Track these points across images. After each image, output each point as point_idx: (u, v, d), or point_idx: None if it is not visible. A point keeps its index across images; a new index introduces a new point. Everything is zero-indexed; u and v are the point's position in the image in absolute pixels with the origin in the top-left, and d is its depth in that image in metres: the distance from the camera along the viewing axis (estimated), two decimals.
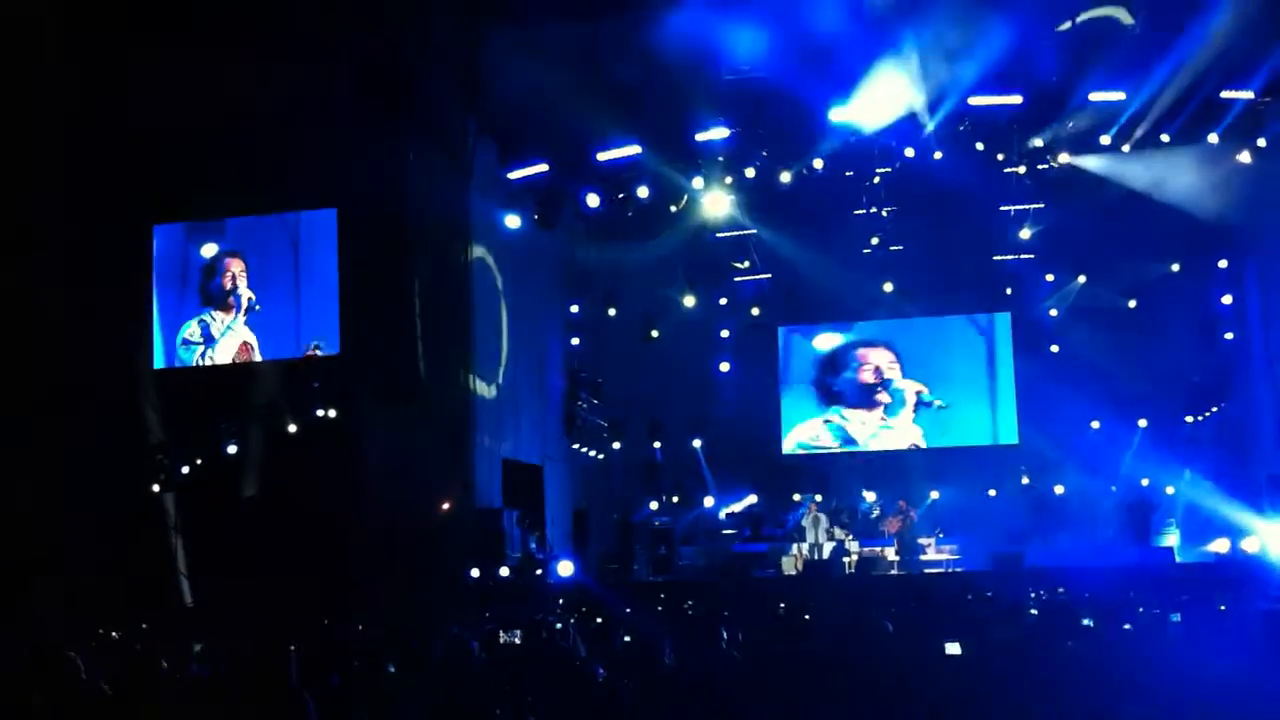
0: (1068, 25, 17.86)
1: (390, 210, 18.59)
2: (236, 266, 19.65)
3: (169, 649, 9.29)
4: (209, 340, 19.47)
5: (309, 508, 17.42)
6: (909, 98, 18.43)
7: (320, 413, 18.19)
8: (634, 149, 19.86)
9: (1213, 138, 19.00)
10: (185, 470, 18.62)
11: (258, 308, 19.40)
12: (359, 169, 18.38)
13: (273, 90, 17.93)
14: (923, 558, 20.51)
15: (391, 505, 17.84)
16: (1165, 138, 19.17)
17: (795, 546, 21.20)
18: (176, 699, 7.29)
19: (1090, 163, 20.28)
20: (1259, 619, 10.46)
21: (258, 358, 19.35)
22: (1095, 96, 18.65)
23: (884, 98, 18.34)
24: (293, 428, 18.28)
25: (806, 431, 25.06)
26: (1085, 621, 9.70)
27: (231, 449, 18.45)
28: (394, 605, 15.10)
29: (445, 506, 18.48)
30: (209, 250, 19.76)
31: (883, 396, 24.62)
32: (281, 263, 19.49)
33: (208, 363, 19.40)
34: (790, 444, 25.02)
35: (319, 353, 18.92)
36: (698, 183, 20.64)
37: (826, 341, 25.14)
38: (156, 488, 18.48)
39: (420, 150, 18.66)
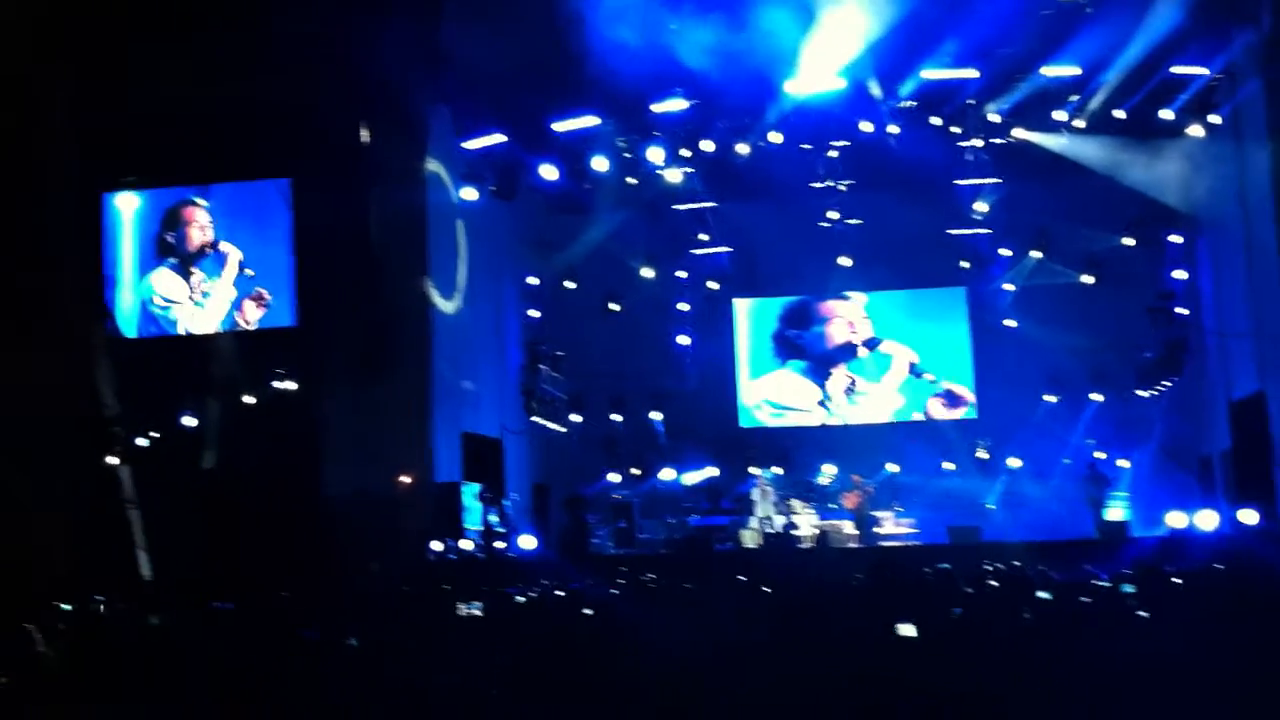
0: None
1: (346, 180, 18.45)
2: (202, 218, 19.37)
3: (126, 622, 9.23)
4: (193, 301, 19.21)
5: (268, 481, 17.33)
6: (853, 51, 18.34)
7: (279, 385, 18.06)
8: (592, 120, 19.80)
9: (1166, 114, 19.17)
10: (142, 442, 18.43)
11: (250, 272, 19.11)
12: (313, 138, 18.21)
13: (225, 60, 17.72)
14: (879, 530, 20.67)
15: (351, 479, 17.78)
16: (1120, 114, 19.33)
17: (755, 520, 21.31)
18: (133, 671, 7.25)
19: (1045, 138, 20.42)
20: (1211, 591, 10.62)
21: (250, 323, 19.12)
22: (1049, 71, 18.78)
23: (829, 55, 18.28)
24: (250, 400, 18.14)
25: (772, 387, 24.92)
26: (1041, 594, 9.79)
27: (189, 421, 18.27)
28: (354, 579, 15.07)
29: (405, 480, 18.43)
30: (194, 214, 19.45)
31: (862, 353, 24.48)
32: (272, 226, 19.18)
33: (196, 326, 19.15)
34: (754, 400, 24.88)
35: (265, 298, 18.80)
36: (656, 155, 20.60)
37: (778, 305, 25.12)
38: (114, 460, 18.30)
39: (376, 119, 18.53)
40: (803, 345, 24.81)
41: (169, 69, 17.63)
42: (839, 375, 24.44)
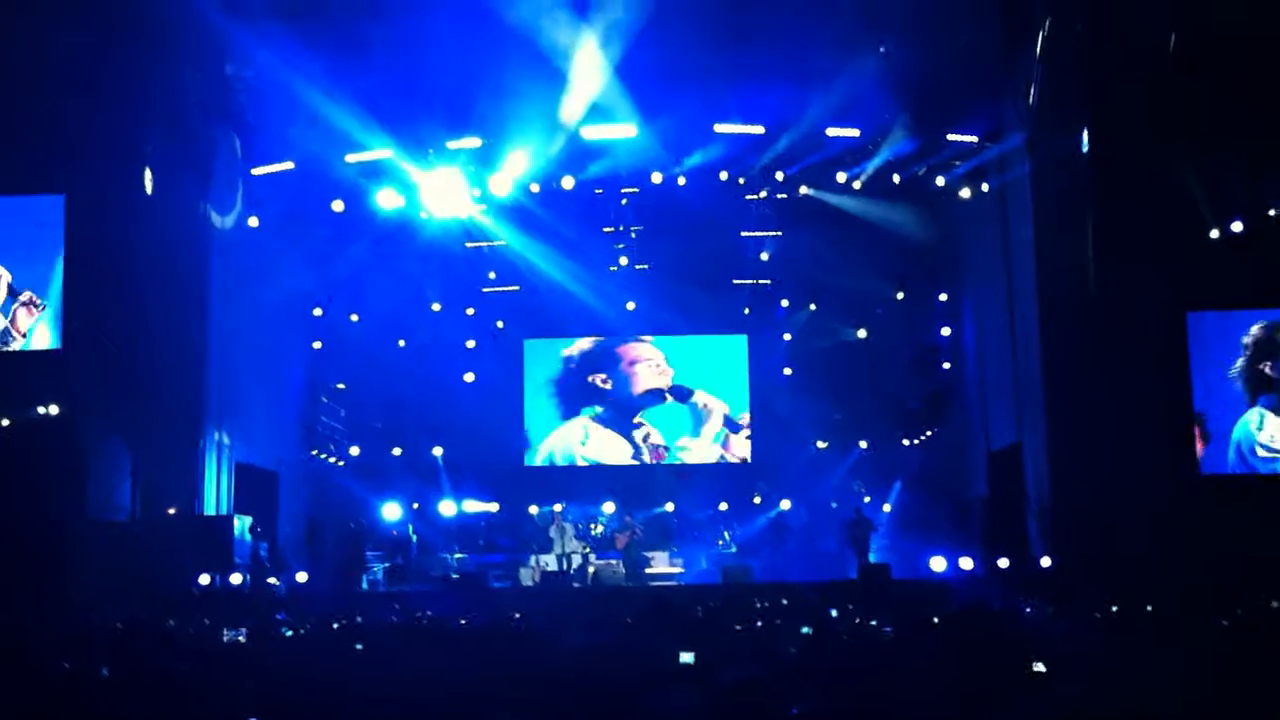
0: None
1: (123, 199, 17.86)
2: None
3: None
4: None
5: (29, 507, 16.48)
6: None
7: (41, 409, 17.24)
8: (385, 153, 19.64)
9: (940, 181, 20.17)
10: None
11: (27, 295, 18.13)
12: (92, 155, 17.60)
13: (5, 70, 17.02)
14: (649, 570, 20.98)
15: (116, 507, 17.11)
16: (896, 178, 20.21)
17: (534, 558, 21.35)
18: None
19: (827, 195, 21.21)
20: (963, 632, 11.13)
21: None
22: (832, 132, 19.53)
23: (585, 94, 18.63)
24: (5, 422, 17.27)
25: (575, 437, 24.99)
26: (804, 630, 10.11)
27: None
28: (115, 611, 14.45)
29: (171, 511, 17.81)
30: None
31: (667, 399, 24.76)
32: (44, 244, 18.29)
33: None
34: (559, 449, 24.94)
35: (36, 303, 17.93)
36: (449, 190, 20.50)
37: (574, 347, 25.30)
38: None
39: (158, 140, 18.03)
40: (603, 390, 24.98)
41: None
42: (642, 425, 24.70)
